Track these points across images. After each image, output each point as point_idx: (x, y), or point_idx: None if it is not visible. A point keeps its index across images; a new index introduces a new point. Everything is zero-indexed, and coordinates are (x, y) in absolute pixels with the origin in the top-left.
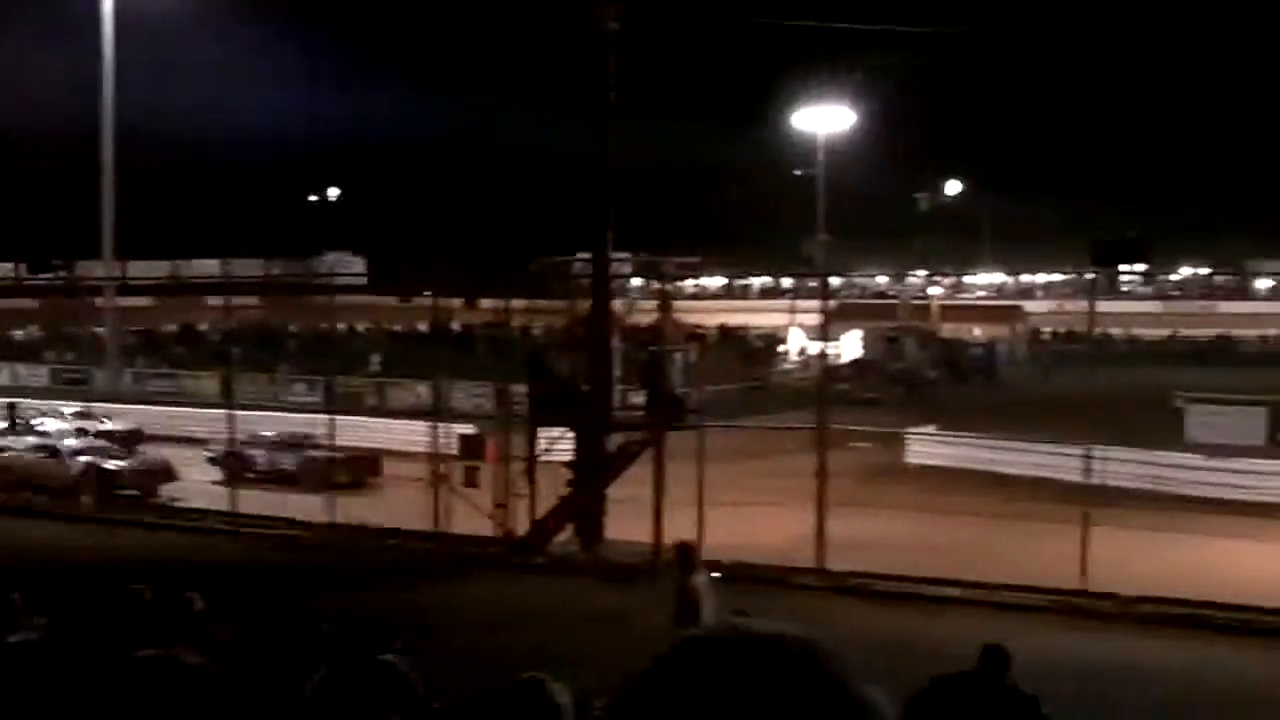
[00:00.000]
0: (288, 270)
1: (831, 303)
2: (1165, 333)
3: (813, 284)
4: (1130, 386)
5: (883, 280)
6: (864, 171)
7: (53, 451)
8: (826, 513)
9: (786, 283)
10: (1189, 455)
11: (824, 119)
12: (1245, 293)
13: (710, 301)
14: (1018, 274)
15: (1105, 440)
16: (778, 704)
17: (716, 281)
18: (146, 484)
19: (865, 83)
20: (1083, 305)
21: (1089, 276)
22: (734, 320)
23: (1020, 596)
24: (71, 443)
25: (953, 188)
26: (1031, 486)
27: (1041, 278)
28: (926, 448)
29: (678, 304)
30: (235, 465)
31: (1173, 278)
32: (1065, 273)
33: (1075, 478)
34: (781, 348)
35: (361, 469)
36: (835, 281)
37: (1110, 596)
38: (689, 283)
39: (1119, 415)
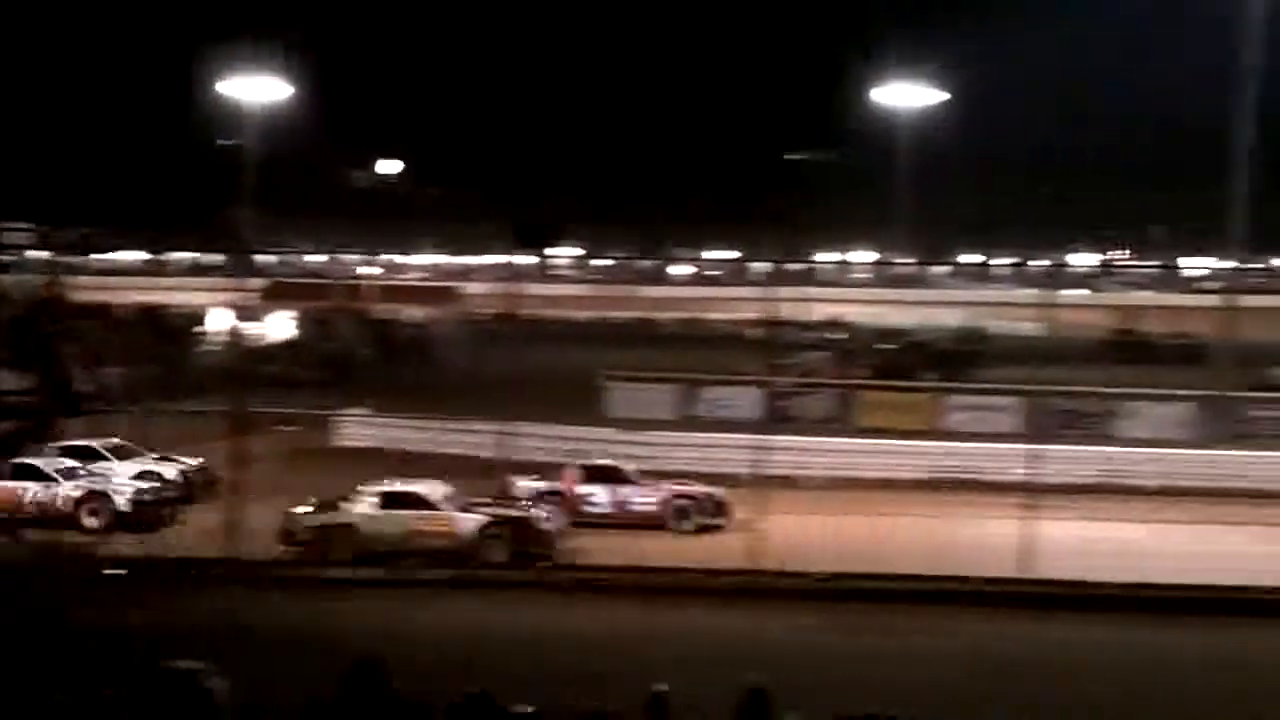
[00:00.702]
0: None
1: (260, 281)
2: (594, 314)
3: (243, 260)
4: (561, 366)
5: (317, 259)
6: (302, 147)
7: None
8: (245, 501)
9: (217, 260)
10: (603, 430)
11: (254, 89)
12: (665, 278)
13: (129, 278)
14: (455, 254)
15: (533, 417)
16: None
17: (138, 257)
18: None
19: (303, 57)
20: (518, 287)
21: (519, 261)
22: (156, 299)
23: (435, 573)
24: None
25: (391, 167)
26: (455, 464)
27: (477, 260)
28: (355, 429)
29: (93, 280)
30: None
31: (600, 263)
32: (497, 255)
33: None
34: (199, 328)
35: None
36: (268, 259)
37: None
38: (107, 257)
39: (549, 393)
